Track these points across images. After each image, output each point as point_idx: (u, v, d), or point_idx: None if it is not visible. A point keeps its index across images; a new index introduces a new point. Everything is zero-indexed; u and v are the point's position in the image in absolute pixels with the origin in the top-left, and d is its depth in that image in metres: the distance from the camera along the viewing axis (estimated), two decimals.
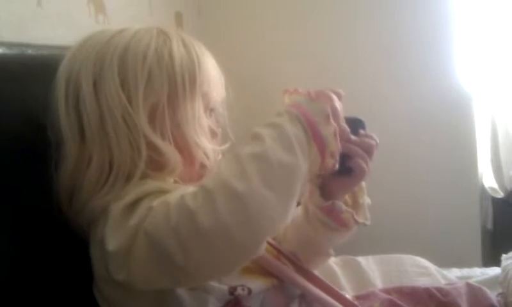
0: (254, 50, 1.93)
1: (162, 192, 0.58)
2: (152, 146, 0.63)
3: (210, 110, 0.72)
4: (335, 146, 0.57)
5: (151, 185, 0.60)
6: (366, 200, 0.74)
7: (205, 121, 0.69)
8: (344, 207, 0.70)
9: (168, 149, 0.64)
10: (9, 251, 0.63)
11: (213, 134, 0.71)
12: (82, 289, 0.65)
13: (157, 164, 0.64)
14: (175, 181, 0.66)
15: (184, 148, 0.66)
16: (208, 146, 0.68)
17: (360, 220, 0.71)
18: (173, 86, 0.65)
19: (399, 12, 1.76)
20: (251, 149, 0.53)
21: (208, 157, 0.67)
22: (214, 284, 0.62)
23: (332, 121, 0.57)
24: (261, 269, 0.67)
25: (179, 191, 0.55)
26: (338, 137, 0.58)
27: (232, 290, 0.62)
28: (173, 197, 0.54)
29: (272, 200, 0.50)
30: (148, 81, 0.64)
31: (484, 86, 1.80)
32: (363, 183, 0.73)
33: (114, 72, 0.63)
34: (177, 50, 0.67)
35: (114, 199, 0.60)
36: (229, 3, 1.96)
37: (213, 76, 0.71)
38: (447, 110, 1.76)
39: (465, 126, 1.78)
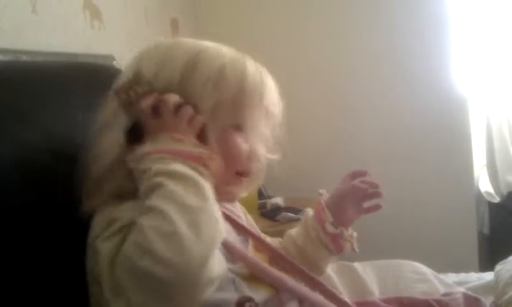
0: (251, 55, 1.92)
1: None
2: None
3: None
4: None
5: None
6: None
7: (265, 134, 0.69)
8: (347, 236, 0.78)
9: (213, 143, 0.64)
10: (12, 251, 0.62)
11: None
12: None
13: None
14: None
15: (228, 151, 0.65)
16: (262, 154, 0.68)
17: (356, 249, 0.79)
18: (240, 90, 0.66)
19: (394, 16, 1.77)
20: None
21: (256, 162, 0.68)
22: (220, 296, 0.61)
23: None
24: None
25: None
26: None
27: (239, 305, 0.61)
28: None
29: None
30: (219, 78, 0.65)
31: (479, 91, 1.81)
32: None
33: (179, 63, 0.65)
34: (251, 66, 0.70)
35: None
36: (226, 8, 1.96)
37: (273, 104, 0.71)
38: (442, 115, 1.76)
39: (461, 131, 1.79)
